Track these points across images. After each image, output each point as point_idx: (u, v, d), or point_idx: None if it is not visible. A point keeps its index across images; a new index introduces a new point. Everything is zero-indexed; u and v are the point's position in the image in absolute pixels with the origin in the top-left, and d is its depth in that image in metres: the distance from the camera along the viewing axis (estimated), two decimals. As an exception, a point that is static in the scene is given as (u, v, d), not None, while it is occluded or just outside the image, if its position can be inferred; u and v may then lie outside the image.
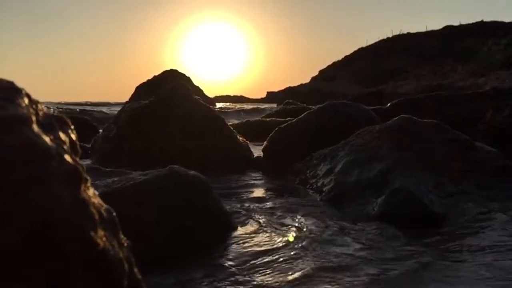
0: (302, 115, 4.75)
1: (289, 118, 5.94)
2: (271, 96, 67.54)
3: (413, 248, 2.07)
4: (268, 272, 1.78)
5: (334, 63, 78.16)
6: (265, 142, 4.70)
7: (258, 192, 3.36)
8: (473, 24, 67.55)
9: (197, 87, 22.25)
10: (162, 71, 22.25)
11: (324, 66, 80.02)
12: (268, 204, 2.91)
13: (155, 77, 21.07)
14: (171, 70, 21.44)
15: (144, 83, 21.63)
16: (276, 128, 4.67)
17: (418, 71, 58.55)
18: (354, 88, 55.82)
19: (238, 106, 27.62)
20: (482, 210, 2.59)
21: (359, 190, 2.87)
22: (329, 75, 72.26)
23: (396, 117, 3.37)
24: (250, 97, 72.24)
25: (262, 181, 3.80)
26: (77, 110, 18.58)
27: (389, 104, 6.32)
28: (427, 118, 3.41)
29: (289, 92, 65.03)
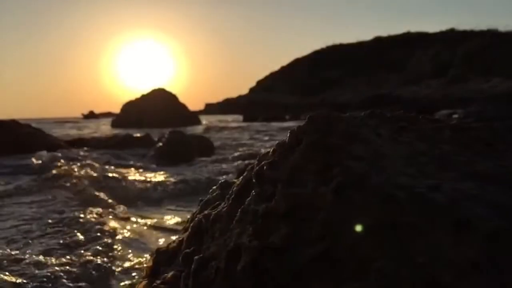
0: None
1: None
2: (210, 107, 66.17)
3: None
4: None
5: (271, 73, 78.36)
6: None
7: None
8: (400, 35, 70.83)
9: (183, 104, 22.46)
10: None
11: (261, 77, 79.99)
12: None
13: (143, 96, 21.39)
14: (159, 89, 21.98)
15: (131, 101, 21.82)
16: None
17: (353, 81, 60.08)
18: (293, 98, 55.96)
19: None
20: None
21: None
22: (267, 86, 72.24)
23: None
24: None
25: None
26: None
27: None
28: None
29: (228, 103, 63.94)
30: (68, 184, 4.22)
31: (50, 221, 2.91)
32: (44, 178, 4.52)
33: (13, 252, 2.27)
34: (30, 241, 2.52)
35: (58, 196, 3.80)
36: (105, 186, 4.17)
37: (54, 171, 4.80)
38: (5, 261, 2.13)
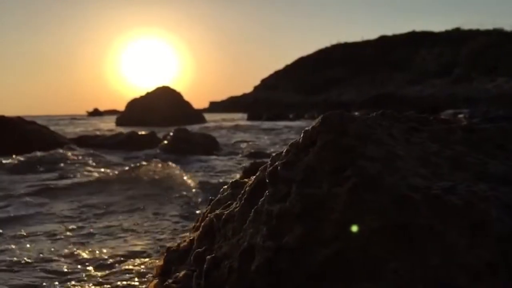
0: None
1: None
2: (214, 106, 66.32)
3: None
4: None
5: (276, 72, 78.29)
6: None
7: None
8: (405, 34, 70.55)
9: (187, 102, 22.37)
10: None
11: (266, 75, 79.94)
12: None
13: (147, 93, 21.48)
14: (164, 86, 21.93)
15: (136, 99, 21.85)
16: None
17: (357, 80, 59.86)
18: (296, 97, 55.89)
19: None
20: None
21: None
22: (271, 84, 72.18)
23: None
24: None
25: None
26: None
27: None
28: None
29: (233, 101, 63.99)
30: (101, 182, 4.12)
31: (126, 221, 2.71)
32: (71, 177, 4.48)
33: (95, 255, 2.07)
34: (105, 242, 2.31)
35: (99, 193, 3.66)
36: (132, 184, 4.06)
37: (77, 170, 4.78)
38: (93, 263, 1.95)
